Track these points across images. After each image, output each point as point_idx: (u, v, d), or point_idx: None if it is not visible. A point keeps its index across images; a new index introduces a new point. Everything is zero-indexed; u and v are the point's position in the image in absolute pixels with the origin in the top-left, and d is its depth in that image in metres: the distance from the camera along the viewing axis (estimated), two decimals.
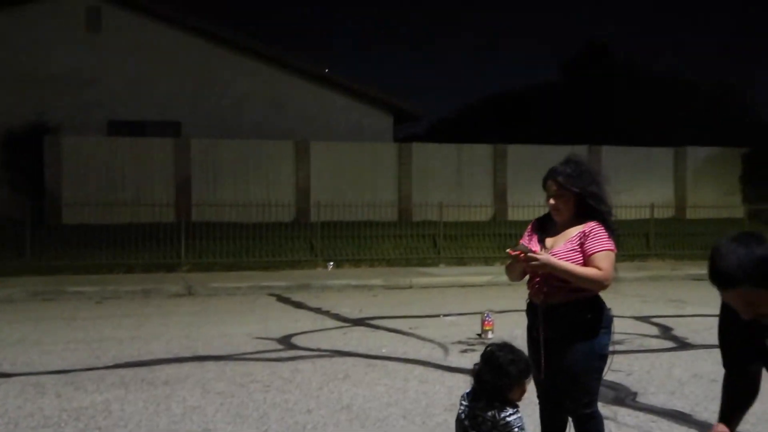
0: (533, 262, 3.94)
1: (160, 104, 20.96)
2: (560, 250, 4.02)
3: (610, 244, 4.00)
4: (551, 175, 4.11)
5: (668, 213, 21.48)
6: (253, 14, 77.60)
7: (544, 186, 4.15)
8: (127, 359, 7.97)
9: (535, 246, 4.12)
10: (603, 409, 6.03)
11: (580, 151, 21.56)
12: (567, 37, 77.86)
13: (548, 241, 4.13)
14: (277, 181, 19.64)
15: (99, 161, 18.66)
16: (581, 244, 4.01)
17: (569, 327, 3.97)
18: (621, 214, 20.19)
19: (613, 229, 4.08)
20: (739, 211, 21.30)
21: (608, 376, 7.22)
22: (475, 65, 76.54)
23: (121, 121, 20.64)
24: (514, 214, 19.62)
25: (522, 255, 3.96)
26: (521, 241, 4.23)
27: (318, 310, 11.65)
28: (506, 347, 3.54)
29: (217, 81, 21.43)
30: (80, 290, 13.28)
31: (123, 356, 8.12)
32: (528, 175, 19.36)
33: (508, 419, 3.36)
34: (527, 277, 4.16)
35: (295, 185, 19.77)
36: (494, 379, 3.42)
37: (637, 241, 19.32)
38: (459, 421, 3.52)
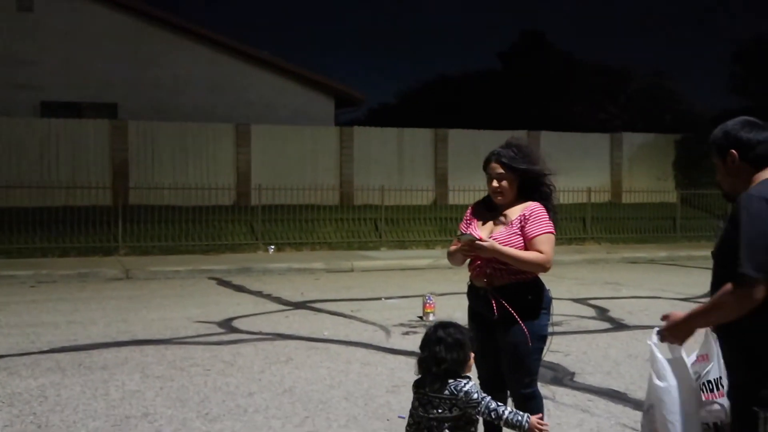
0: (479, 249, 3.96)
1: (95, 86, 20.49)
2: (501, 234, 4.02)
3: (550, 227, 4.04)
4: (494, 157, 4.10)
5: (604, 197, 21.89)
6: None
7: (486, 168, 4.14)
8: (63, 344, 7.81)
9: (475, 230, 4.12)
10: (542, 388, 6.13)
11: (519, 136, 21.80)
12: (505, 26, 78.62)
13: (489, 225, 4.14)
14: (217, 165, 19.40)
15: (32, 143, 18.15)
16: (522, 227, 4.02)
17: (512, 308, 4.00)
18: (559, 198, 20.50)
19: (554, 210, 4.13)
20: (672, 196, 21.83)
21: (547, 356, 7.35)
22: (416, 51, 76.73)
23: (55, 102, 20.12)
24: (454, 198, 19.76)
25: (468, 244, 3.98)
26: (461, 226, 4.23)
27: (259, 294, 11.58)
28: (447, 324, 3.54)
29: (155, 63, 21.04)
30: (13, 274, 12.94)
31: (59, 341, 7.95)
32: (468, 159, 19.57)
33: (465, 388, 3.36)
34: (468, 260, 4.19)
35: (235, 169, 19.56)
36: (454, 354, 3.40)
37: (574, 225, 19.68)
38: (414, 410, 3.47)
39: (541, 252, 3.97)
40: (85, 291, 11.85)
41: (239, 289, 12.21)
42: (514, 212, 4.07)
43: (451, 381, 3.37)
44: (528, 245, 3.99)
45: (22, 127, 18.29)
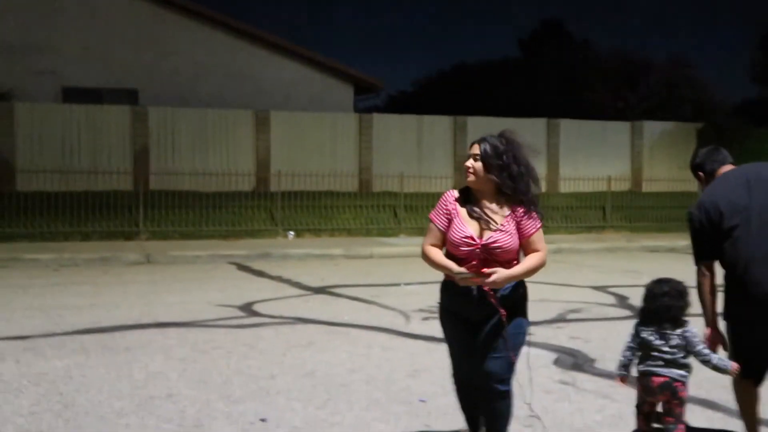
0: (487, 281, 3.84)
1: (116, 72, 20.65)
2: (499, 237, 3.91)
3: (539, 221, 4.00)
4: (480, 140, 4.03)
5: (625, 186, 21.79)
6: None
7: (469, 149, 4.07)
8: (86, 326, 7.90)
9: (465, 228, 3.96)
10: (563, 374, 6.17)
11: (539, 124, 21.78)
12: (524, 13, 78.16)
13: (475, 221, 3.98)
14: (236, 151, 19.48)
15: (53, 128, 18.30)
16: (517, 225, 3.95)
17: (508, 306, 3.94)
18: (579, 186, 20.50)
19: (535, 203, 4.01)
20: (693, 185, 21.63)
21: (568, 343, 7.38)
22: (435, 39, 76.46)
23: (77, 89, 20.27)
24: None
25: (474, 279, 3.87)
26: (437, 216, 4.08)
27: (279, 279, 11.64)
28: (667, 279, 4.34)
29: (174, 49, 21.16)
30: (36, 258, 13.07)
31: (82, 323, 8.04)
32: None
33: (692, 330, 4.17)
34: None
35: (254, 155, 19.63)
36: (680, 302, 4.22)
37: (594, 213, 19.60)
38: (645, 345, 4.21)
39: (538, 250, 3.97)
40: (107, 275, 11.96)
41: (259, 274, 12.28)
42: (503, 208, 3.97)
43: (680, 322, 4.18)
44: (524, 243, 3.97)
45: (44, 113, 18.42)
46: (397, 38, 79.92)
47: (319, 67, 22.59)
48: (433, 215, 4.10)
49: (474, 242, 3.92)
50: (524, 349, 4.09)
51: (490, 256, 3.89)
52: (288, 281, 11.40)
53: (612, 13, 70.25)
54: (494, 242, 3.90)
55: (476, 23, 78.88)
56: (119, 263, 13.25)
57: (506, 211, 3.95)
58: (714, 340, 4.28)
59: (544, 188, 21.02)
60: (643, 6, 72.32)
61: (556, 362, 6.52)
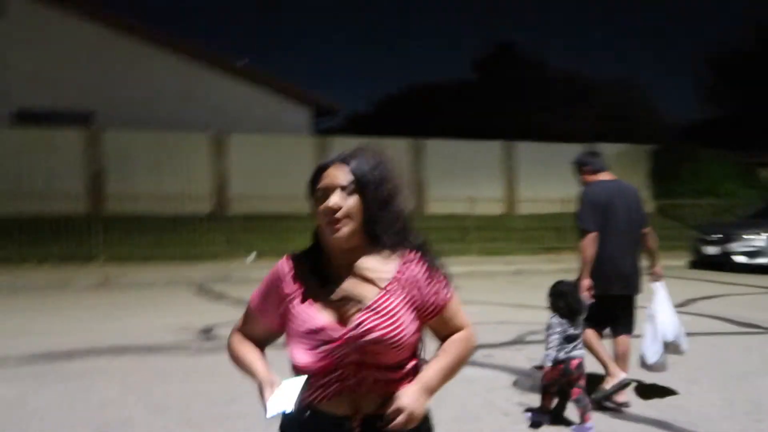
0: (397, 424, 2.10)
1: (71, 94, 20.39)
2: (376, 321, 2.13)
3: (450, 282, 2.30)
4: (339, 159, 2.35)
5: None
6: (171, 6, 76.13)
7: (317, 178, 2.33)
8: (41, 351, 7.76)
9: (314, 316, 2.19)
10: (521, 396, 6.20)
11: (494, 147, 22.03)
12: (478, 36, 79.26)
13: (331, 306, 2.18)
14: (193, 174, 19.35)
15: (6, 152, 17.99)
16: (410, 297, 2.19)
17: None
18: (532, 208, 20.71)
19: (436, 263, 2.30)
20: (648, 207, 21.99)
21: (526, 365, 7.41)
22: (391, 61, 77.15)
23: (31, 111, 19.97)
24: (432, 208, 19.86)
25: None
26: (255, 304, 2.39)
27: (239, 302, 11.57)
28: (564, 281, 5.67)
29: (131, 72, 20.98)
30: None
31: (37, 348, 7.90)
32: (446, 169, 19.68)
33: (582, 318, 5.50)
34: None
35: (212, 178, 19.52)
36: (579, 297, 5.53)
37: (549, 234, 19.81)
38: (566, 336, 5.27)
39: (462, 326, 2.31)
40: (63, 299, 11.77)
41: (219, 297, 12.19)
42: (372, 266, 2.21)
43: (577, 318, 5.41)
44: (434, 324, 2.26)
45: None
46: (354, 58, 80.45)
47: (277, 90, 22.57)
48: (255, 297, 2.40)
49: (332, 338, 2.15)
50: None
51: (366, 357, 2.13)
52: None
53: (565, 36, 71.53)
54: (367, 329, 2.12)
55: (433, 45, 79.71)
56: (76, 287, 13.05)
57: (385, 274, 2.21)
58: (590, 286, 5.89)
59: (501, 209, 21.24)
60: (596, 29, 73.79)
61: (515, 384, 6.57)
